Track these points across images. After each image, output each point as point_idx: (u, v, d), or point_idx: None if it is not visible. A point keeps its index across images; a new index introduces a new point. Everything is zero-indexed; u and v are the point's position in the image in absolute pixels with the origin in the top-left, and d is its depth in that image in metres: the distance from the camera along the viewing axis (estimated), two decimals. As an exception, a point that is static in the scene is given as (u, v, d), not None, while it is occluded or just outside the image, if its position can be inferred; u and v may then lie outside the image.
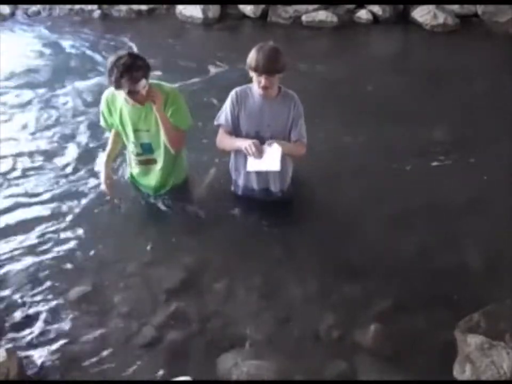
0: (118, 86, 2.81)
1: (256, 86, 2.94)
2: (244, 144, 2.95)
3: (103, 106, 3.13)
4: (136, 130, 3.09)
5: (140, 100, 2.90)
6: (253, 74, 2.89)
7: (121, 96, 2.98)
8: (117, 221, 3.34)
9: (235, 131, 3.08)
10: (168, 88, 3.02)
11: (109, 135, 3.33)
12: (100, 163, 3.25)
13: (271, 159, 2.92)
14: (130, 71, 2.75)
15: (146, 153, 3.20)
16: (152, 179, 3.32)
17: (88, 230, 3.27)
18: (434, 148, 3.99)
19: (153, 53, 5.17)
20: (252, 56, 2.84)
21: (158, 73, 4.34)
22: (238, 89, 3.08)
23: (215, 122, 3.15)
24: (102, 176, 3.22)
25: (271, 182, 3.25)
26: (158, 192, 3.39)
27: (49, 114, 4.57)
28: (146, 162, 3.25)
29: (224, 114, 3.09)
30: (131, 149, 3.20)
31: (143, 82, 2.82)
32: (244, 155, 3.13)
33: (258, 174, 3.20)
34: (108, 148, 3.28)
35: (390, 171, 3.73)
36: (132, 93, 2.84)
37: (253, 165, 2.97)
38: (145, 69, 2.84)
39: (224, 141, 3.13)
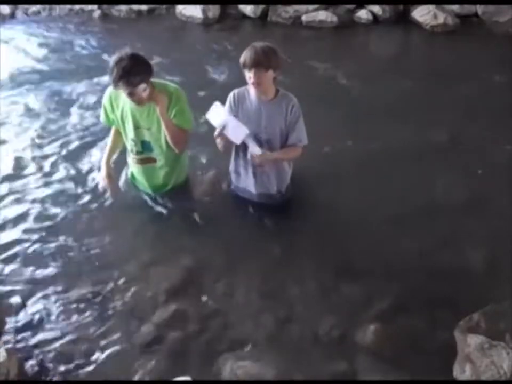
0: (116, 87, 2.83)
1: (249, 85, 2.92)
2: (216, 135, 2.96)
3: (105, 101, 3.12)
4: (137, 128, 3.08)
5: (140, 101, 2.91)
6: (244, 71, 2.87)
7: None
8: (117, 221, 3.34)
9: None
10: (172, 88, 3.02)
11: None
12: (101, 161, 3.23)
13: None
14: (127, 76, 2.74)
15: (146, 152, 3.19)
16: (153, 178, 3.32)
17: (88, 230, 3.28)
18: (434, 148, 3.98)
19: (153, 53, 5.17)
20: (243, 54, 2.83)
21: (158, 73, 4.36)
22: (235, 91, 3.06)
23: None
24: (102, 173, 3.21)
25: (270, 185, 3.24)
26: (159, 192, 3.39)
27: (49, 114, 4.57)
28: (145, 161, 3.24)
29: None
30: (130, 147, 3.19)
31: (141, 86, 2.82)
32: (242, 156, 3.13)
33: (257, 177, 3.20)
34: (108, 145, 3.27)
35: (389, 171, 3.73)
36: (130, 95, 2.85)
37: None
38: (145, 74, 2.82)
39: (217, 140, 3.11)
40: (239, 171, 3.24)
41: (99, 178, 3.21)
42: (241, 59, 2.83)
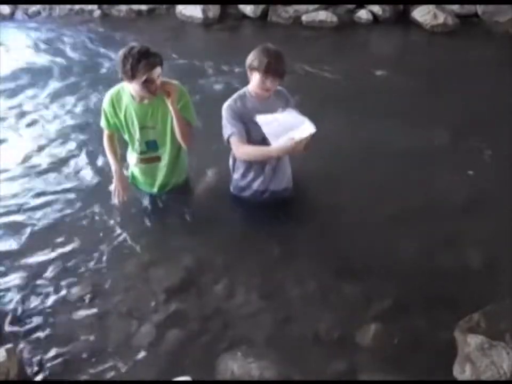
0: (133, 75, 2.77)
1: (255, 88, 2.91)
2: (281, 150, 2.83)
3: (107, 106, 3.08)
4: (142, 128, 3.07)
5: (154, 90, 2.87)
6: (255, 75, 2.85)
7: (127, 93, 2.97)
8: (117, 221, 3.33)
9: (248, 138, 2.99)
10: (176, 84, 3.01)
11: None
12: (113, 170, 3.22)
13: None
14: (147, 56, 2.75)
15: (150, 151, 3.19)
16: (155, 177, 3.31)
17: (88, 229, 3.28)
18: (434, 148, 3.99)
19: (153, 53, 5.16)
20: (260, 58, 2.79)
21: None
22: (229, 103, 2.98)
23: (225, 136, 3.00)
24: (121, 183, 3.19)
25: (277, 181, 3.25)
26: (159, 191, 3.39)
27: (49, 114, 4.58)
28: (149, 161, 3.24)
29: (230, 127, 2.97)
30: (135, 147, 3.19)
31: (158, 69, 2.82)
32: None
33: (264, 174, 3.20)
34: (110, 153, 3.22)
35: (390, 171, 3.73)
36: (147, 82, 2.81)
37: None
38: (160, 57, 2.84)
39: (251, 151, 2.99)
40: (246, 172, 3.22)
41: (116, 187, 3.21)
42: (261, 65, 2.77)
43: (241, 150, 3.01)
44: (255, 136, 2.97)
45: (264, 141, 2.93)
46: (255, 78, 2.89)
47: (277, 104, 2.99)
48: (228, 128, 2.99)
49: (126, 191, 3.23)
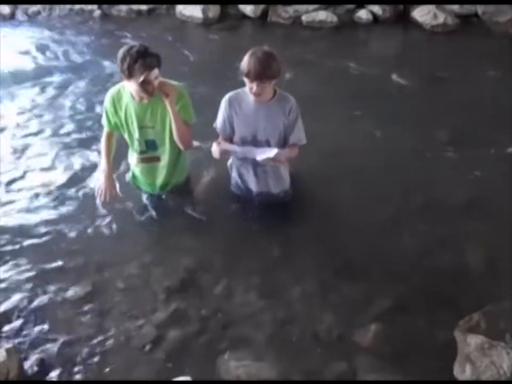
0: (130, 74, 2.79)
1: (249, 92, 2.91)
2: (216, 152, 2.99)
3: (108, 104, 3.09)
4: (141, 127, 3.07)
5: (151, 91, 2.89)
6: (245, 79, 2.86)
7: (127, 92, 2.98)
8: (117, 221, 3.33)
9: (233, 136, 3.07)
10: (175, 84, 3.02)
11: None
12: (101, 167, 3.22)
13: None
14: (144, 57, 2.75)
15: (150, 151, 3.19)
16: (155, 177, 3.31)
17: (88, 230, 3.28)
18: (434, 148, 3.99)
19: (153, 53, 5.16)
20: (244, 62, 2.78)
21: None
22: (230, 94, 3.04)
23: (214, 125, 3.15)
24: (102, 177, 3.18)
25: (272, 184, 3.24)
26: (160, 191, 3.39)
27: (49, 114, 4.58)
28: (149, 160, 3.24)
29: (218, 121, 3.08)
30: (135, 146, 3.19)
31: (156, 71, 2.82)
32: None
33: (258, 177, 3.20)
34: (104, 150, 3.23)
35: (389, 171, 3.73)
36: (144, 83, 2.82)
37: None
38: (158, 58, 2.83)
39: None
40: (241, 170, 3.24)
41: (100, 181, 3.21)
42: (244, 68, 2.77)
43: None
44: (244, 134, 3.01)
45: (253, 141, 2.99)
46: (246, 82, 2.89)
47: (274, 111, 2.97)
48: (217, 120, 3.10)
49: (110, 191, 3.20)
